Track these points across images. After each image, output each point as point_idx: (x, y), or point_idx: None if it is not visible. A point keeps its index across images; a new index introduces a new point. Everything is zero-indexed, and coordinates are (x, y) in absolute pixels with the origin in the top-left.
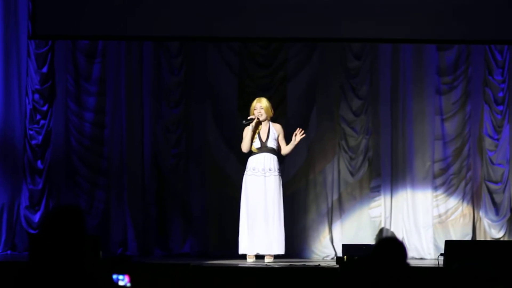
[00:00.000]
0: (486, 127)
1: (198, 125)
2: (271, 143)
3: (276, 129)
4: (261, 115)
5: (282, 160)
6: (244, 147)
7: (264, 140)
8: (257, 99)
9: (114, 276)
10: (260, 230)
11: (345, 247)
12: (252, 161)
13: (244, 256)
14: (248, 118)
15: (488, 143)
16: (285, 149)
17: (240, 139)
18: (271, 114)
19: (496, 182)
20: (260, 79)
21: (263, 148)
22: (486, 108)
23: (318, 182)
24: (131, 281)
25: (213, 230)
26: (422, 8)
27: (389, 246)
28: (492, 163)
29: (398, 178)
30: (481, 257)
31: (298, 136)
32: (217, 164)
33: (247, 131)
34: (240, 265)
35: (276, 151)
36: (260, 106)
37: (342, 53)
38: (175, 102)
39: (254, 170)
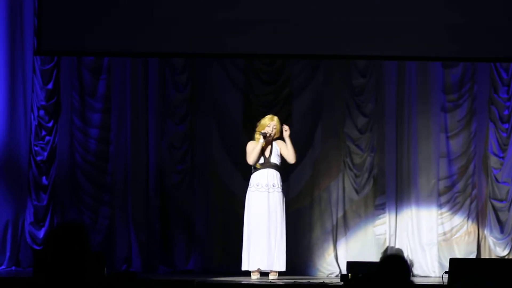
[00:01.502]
0: (492, 145)
1: (203, 142)
2: (274, 159)
3: (278, 145)
4: (273, 133)
5: (286, 178)
6: (252, 160)
7: (267, 156)
8: (270, 116)
9: None
10: (262, 246)
11: (350, 265)
12: (255, 177)
13: (248, 273)
14: (264, 131)
15: (493, 161)
16: (287, 154)
17: (245, 155)
18: (279, 134)
19: (501, 200)
20: (265, 96)
21: (266, 164)
22: (491, 126)
23: (323, 199)
24: None
25: (217, 246)
26: (427, 26)
27: (393, 263)
28: (497, 181)
29: (403, 195)
30: (486, 275)
31: (285, 134)
32: (222, 181)
33: (252, 145)
34: (244, 282)
35: (279, 167)
36: (274, 125)
37: (347, 71)
38: (180, 119)
39: (257, 186)
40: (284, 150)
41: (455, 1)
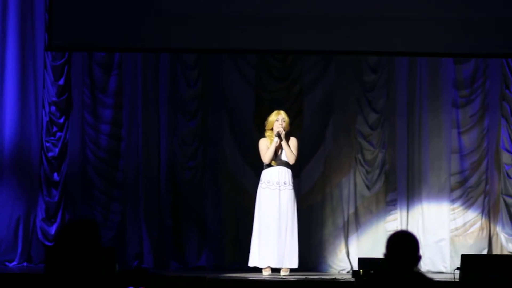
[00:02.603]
0: (503, 140)
1: (215, 138)
2: (285, 156)
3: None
4: (283, 128)
5: (298, 174)
6: (267, 159)
7: (278, 153)
8: (277, 111)
9: None
10: (273, 244)
11: (361, 261)
12: (266, 174)
13: (259, 269)
14: (277, 131)
15: (505, 157)
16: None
17: (256, 151)
18: (288, 128)
19: None
20: (276, 92)
21: (278, 161)
22: (503, 122)
23: (335, 195)
24: None
25: (229, 243)
26: (439, 21)
27: (400, 237)
28: (509, 177)
29: (415, 191)
30: (497, 271)
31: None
32: (233, 177)
33: (265, 143)
34: (255, 278)
35: (290, 164)
36: (282, 119)
37: (358, 67)
38: (192, 115)
39: (268, 183)
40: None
41: None
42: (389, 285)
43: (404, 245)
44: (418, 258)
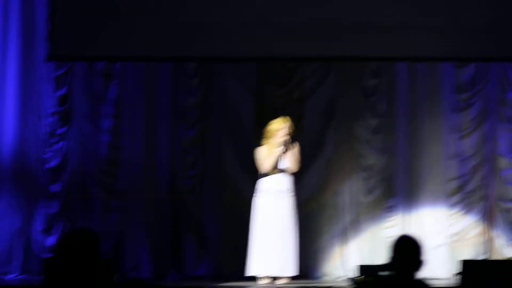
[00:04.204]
0: (501, 146)
1: (215, 146)
2: (284, 165)
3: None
4: (288, 136)
5: (298, 180)
6: (268, 168)
7: (278, 161)
8: (279, 120)
9: None
10: (274, 252)
11: (362, 268)
12: (265, 182)
13: (257, 278)
14: (283, 141)
15: (502, 162)
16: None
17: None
18: (293, 134)
19: (511, 201)
20: (277, 98)
21: (276, 169)
22: (501, 126)
23: (334, 202)
24: None
25: (228, 252)
26: (439, 27)
27: (404, 241)
28: (505, 182)
29: (414, 197)
30: (497, 276)
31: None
32: (233, 185)
33: (263, 152)
34: None
35: (288, 172)
36: (288, 127)
37: (359, 72)
38: (192, 123)
39: (267, 191)
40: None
41: (465, 2)
42: None
43: (408, 248)
44: (422, 262)
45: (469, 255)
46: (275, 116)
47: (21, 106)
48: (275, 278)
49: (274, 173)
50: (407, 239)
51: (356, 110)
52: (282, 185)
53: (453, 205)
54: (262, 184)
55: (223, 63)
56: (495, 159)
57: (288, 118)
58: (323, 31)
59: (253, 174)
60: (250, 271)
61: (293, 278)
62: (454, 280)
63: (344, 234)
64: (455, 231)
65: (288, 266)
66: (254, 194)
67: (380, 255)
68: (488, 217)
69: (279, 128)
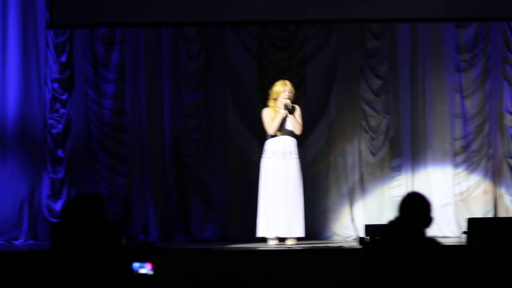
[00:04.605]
0: (506, 103)
1: (218, 109)
2: (290, 126)
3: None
4: (290, 98)
5: (302, 143)
6: (273, 130)
7: (283, 123)
8: (282, 82)
9: (136, 265)
10: (280, 213)
11: (368, 228)
12: (271, 144)
13: (265, 239)
14: (285, 103)
15: (508, 119)
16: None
17: (260, 121)
18: (293, 98)
19: None
20: (278, 61)
21: (283, 131)
22: (506, 84)
23: (339, 163)
24: (153, 268)
25: (234, 214)
26: None
27: (414, 198)
28: None
29: (419, 156)
30: (503, 234)
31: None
32: (238, 148)
33: (269, 113)
34: (261, 248)
35: (295, 134)
36: (289, 90)
37: (360, 34)
38: (194, 87)
39: (273, 153)
40: (293, 120)
41: None
42: (398, 252)
43: (417, 205)
44: (431, 219)
45: (475, 213)
46: (277, 79)
47: (23, 74)
48: (283, 239)
49: (279, 135)
50: (416, 196)
51: (358, 71)
52: (288, 146)
53: (458, 165)
54: (269, 145)
55: (224, 27)
56: (501, 117)
57: (287, 81)
58: None
59: (257, 136)
60: (259, 232)
61: (302, 239)
62: (461, 239)
63: (352, 195)
64: (461, 190)
65: (296, 227)
66: (262, 155)
67: (387, 215)
68: (495, 175)
69: (279, 90)
